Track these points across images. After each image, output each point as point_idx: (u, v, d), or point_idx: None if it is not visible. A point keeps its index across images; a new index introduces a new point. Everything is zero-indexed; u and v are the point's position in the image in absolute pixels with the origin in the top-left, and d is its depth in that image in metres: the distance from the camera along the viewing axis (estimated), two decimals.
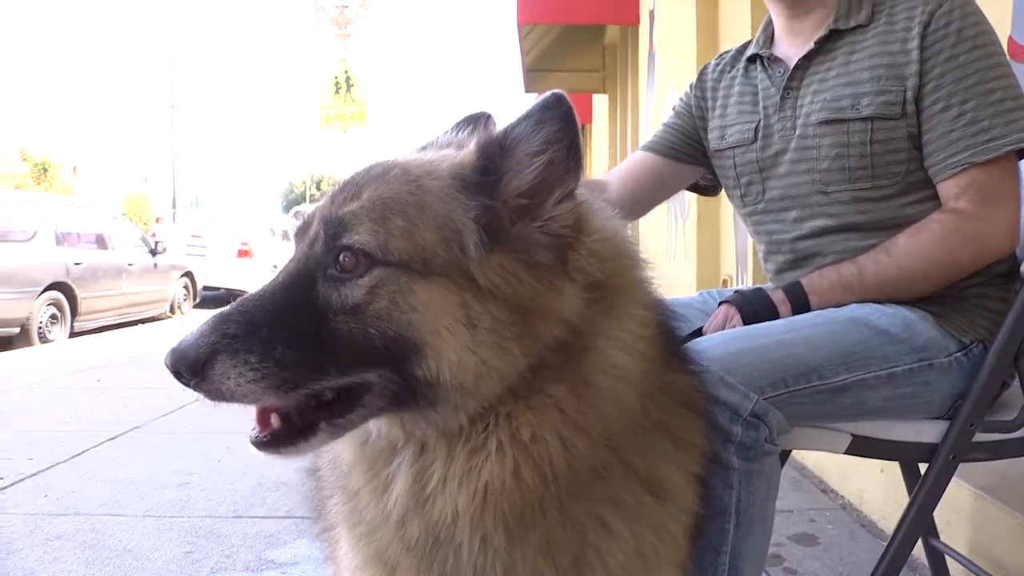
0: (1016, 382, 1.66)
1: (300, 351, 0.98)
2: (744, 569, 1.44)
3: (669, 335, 1.20)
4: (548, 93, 1.03)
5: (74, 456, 4.02)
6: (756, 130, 1.86)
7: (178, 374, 0.97)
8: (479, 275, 1.00)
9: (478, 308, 1.00)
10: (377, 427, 1.10)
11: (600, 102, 15.46)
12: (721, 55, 2.09)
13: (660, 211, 7.34)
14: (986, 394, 1.58)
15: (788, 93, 1.81)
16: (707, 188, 2.16)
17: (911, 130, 1.66)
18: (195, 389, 0.98)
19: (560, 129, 1.02)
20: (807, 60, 1.80)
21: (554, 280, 1.03)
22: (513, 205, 1.05)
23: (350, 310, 1.00)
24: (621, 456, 1.08)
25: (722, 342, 1.50)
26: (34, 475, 3.69)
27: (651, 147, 2.08)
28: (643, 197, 2.07)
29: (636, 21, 9.75)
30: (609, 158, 13.33)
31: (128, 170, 44.24)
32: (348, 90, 18.15)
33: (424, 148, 1.28)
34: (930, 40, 1.63)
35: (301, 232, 1.10)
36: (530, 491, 1.02)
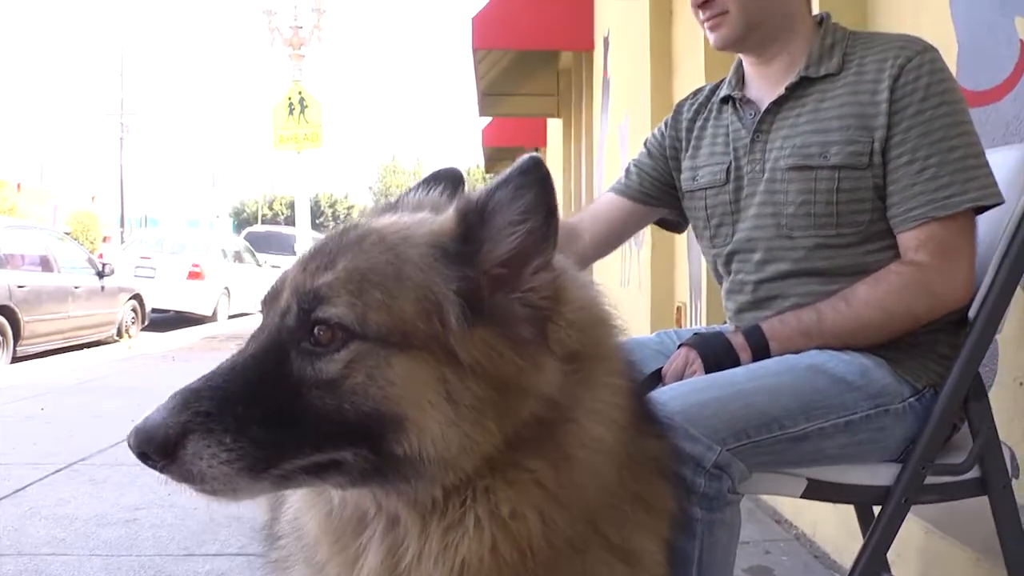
0: (965, 425, 1.70)
1: (275, 429, 0.94)
2: None
3: (639, 400, 1.20)
4: (525, 157, 1.02)
5: (16, 491, 3.89)
6: (728, 172, 1.89)
7: (143, 455, 0.92)
8: (460, 350, 0.98)
9: (457, 383, 0.98)
10: (342, 497, 1.07)
11: (554, 126, 15.61)
12: (696, 92, 2.11)
13: None
14: (937, 437, 1.62)
15: (758, 136, 1.84)
16: (674, 224, 2.19)
17: (876, 180, 1.70)
18: (161, 471, 0.93)
19: (539, 196, 1.00)
20: (777, 105, 1.83)
21: (536, 356, 1.01)
22: (492, 275, 1.03)
23: (325, 385, 0.97)
24: (597, 528, 1.07)
25: (684, 393, 1.51)
26: None
27: (622, 191, 2.11)
28: (613, 240, 2.13)
29: (591, 47, 9.87)
30: (563, 181, 13.42)
31: (74, 188, 43.39)
32: (302, 111, 17.98)
33: (394, 207, 1.27)
34: (899, 94, 1.67)
35: (270, 300, 1.06)
36: (508, 567, 1.00)
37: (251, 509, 3.58)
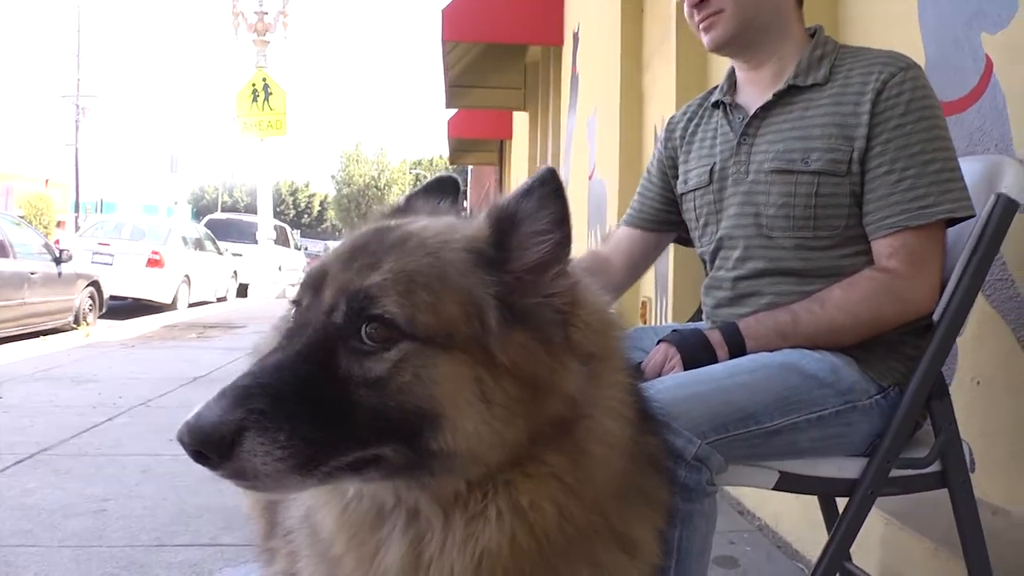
0: (928, 422, 1.78)
1: (325, 427, 0.96)
2: None
3: (640, 397, 1.26)
4: (544, 169, 1.08)
5: None
6: (711, 172, 1.97)
7: (199, 454, 0.93)
8: (498, 352, 1.02)
9: (492, 384, 1.01)
10: (358, 491, 1.10)
11: (520, 119, 15.65)
12: (687, 106, 2.18)
13: (580, 230, 7.47)
14: (902, 433, 1.70)
15: (744, 139, 1.91)
16: (691, 241, 2.22)
17: (854, 188, 1.77)
18: (214, 468, 0.94)
19: (559, 207, 1.07)
20: (765, 110, 1.90)
21: (563, 357, 1.06)
22: (523, 280, 1.08)
23: (372, 383, 0.99)
24: (606, 518, 1.12)
25: (666, 388, 1.57)
26: None
27: (632, 223, 2.20)
28: (641, 266, 2.23)
29: (560, 42, 9.93)
30: (529, 173, 13.46)
31: (27, 170, 42.37)
32: (266, 99, 17.84)
33: (404, 210, 1.29)
34: (881, 107, 1.74)
35: (310, 296, 1.08)
36: (525, 556, 1.04)
37: (220, 499, 3.60)
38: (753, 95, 1.96)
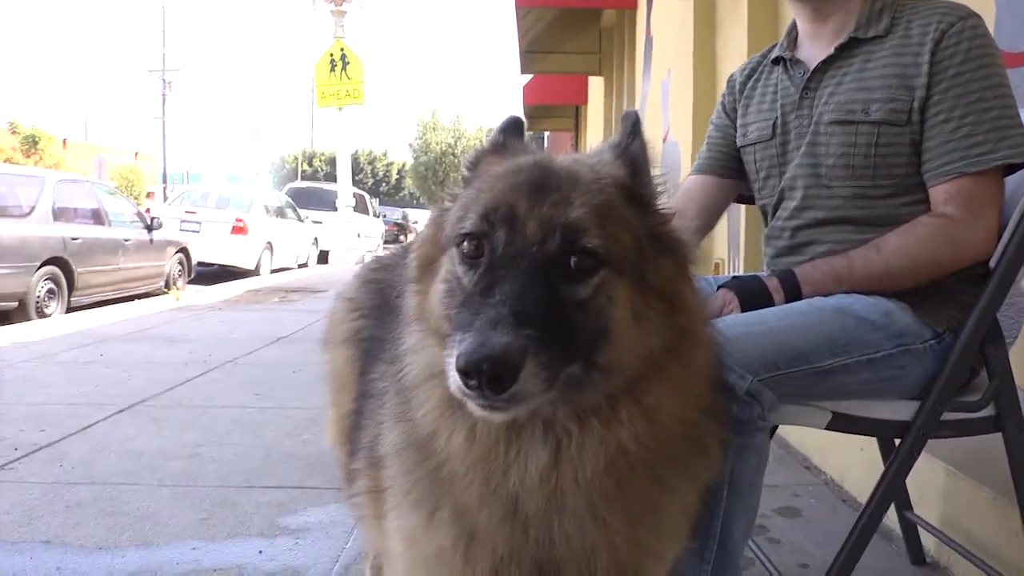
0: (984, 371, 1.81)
1: (563, 346, 1.06)
2: (735, 531, 1.60)
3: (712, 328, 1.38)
4: (632, 114, 1.26)
5: (85, 428, 4.14)
6: (774, 127, 2.02)
7: (495, 380, 0.97)
8: (649, 274, 1.16)
9: (643, 304, 1.14)
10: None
11: (596, 84, 15.53)
12: (747, 62, 2.24)
13: None
14: (954, 377, 1.74)
15: (806, 93, 1.96)
16: (750, 199, 2.27)
17: (914, 137, 1.80)
18: (495, 393, 0.98)
19: (650, 149, 1.24)
20: (826, 64, 1.94)
21: (688, 275, 1.22)
22: (654, 213, 1.23)
23: (578, 305, 1.10)
24: (694, 424, 1.24)
25: (721, 329, 1.64)
26: (48, 446, 3.82)
27: (703, 170, 2.25)
28: (710, 218, 2.25)
29: (634, 5, 9.85)
30: (604, 139, 13.41)
31: (118, 144, 43.99)
32: (343, 68, 18.11)
33: (503, 149, 1.34)
34: (940, 56, 1.76)
35: (507, 225, 1.13)
36: (648, 451, 1.16)
37: (304, 448, 3.82)
38: (814, 50, 1.99)
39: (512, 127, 1.38)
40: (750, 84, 2.16)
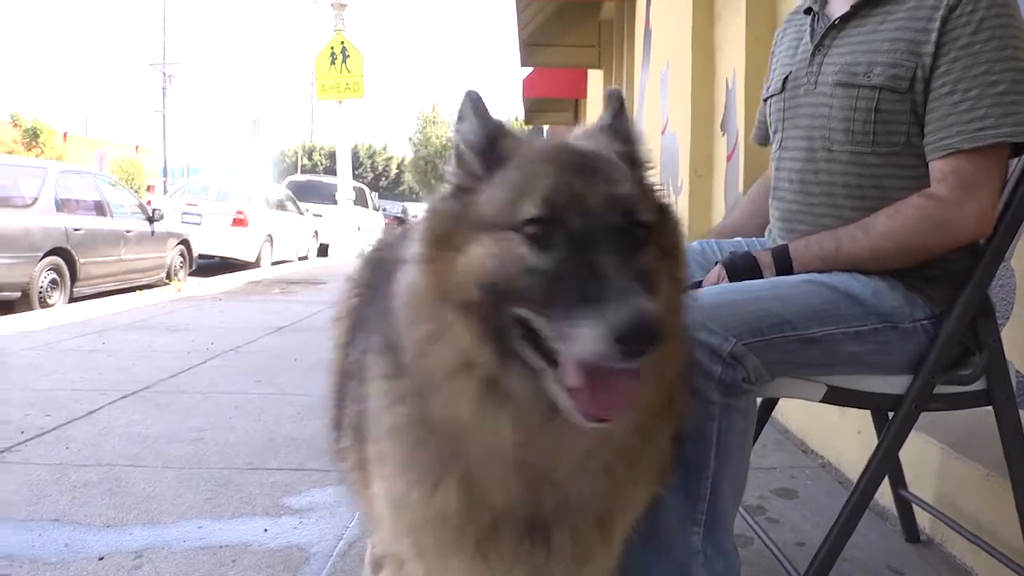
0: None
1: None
2: (723, 492, 1.63)
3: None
4: (614, 91, 1.35)
5: (90, 412, 4.18)
6: (785, 80, 2.01)
7: (655, 338, 1.00)
8: (660, 237, 1.23)
9: (661, 264, 1.21)
10: (533, 392, 1.15)
11: (595, 78, 15.54)
12: (786, 20, 2.21)
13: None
14: (947, 349, 1.76)
15: (819, 50, 1.92)
16: None
17: (915, 106, 1.74)
18: (640, 356, 1.01)
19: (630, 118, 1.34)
20: (843, 21, 1.88)
21: (679, 230, 1.31)
22: (650, 181, 1.32)
23: (643, 273, 1.13)
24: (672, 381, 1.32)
25: (707, 295, 1.68)
26: (53, 429, 3.86)
27: (757, 140, 2.32)
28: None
29: None
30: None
31: (118, 137, 43.98)
32: (344, 62, 18.09)
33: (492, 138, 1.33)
34: (951, 24, 1.68)
35: (576, 204, 1.15)
36: (652, 410, 1.24)
37: (304, 431, 3.86)
38: (840, 4, 1.92)
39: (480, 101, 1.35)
40: (782, 35, 2.13)
